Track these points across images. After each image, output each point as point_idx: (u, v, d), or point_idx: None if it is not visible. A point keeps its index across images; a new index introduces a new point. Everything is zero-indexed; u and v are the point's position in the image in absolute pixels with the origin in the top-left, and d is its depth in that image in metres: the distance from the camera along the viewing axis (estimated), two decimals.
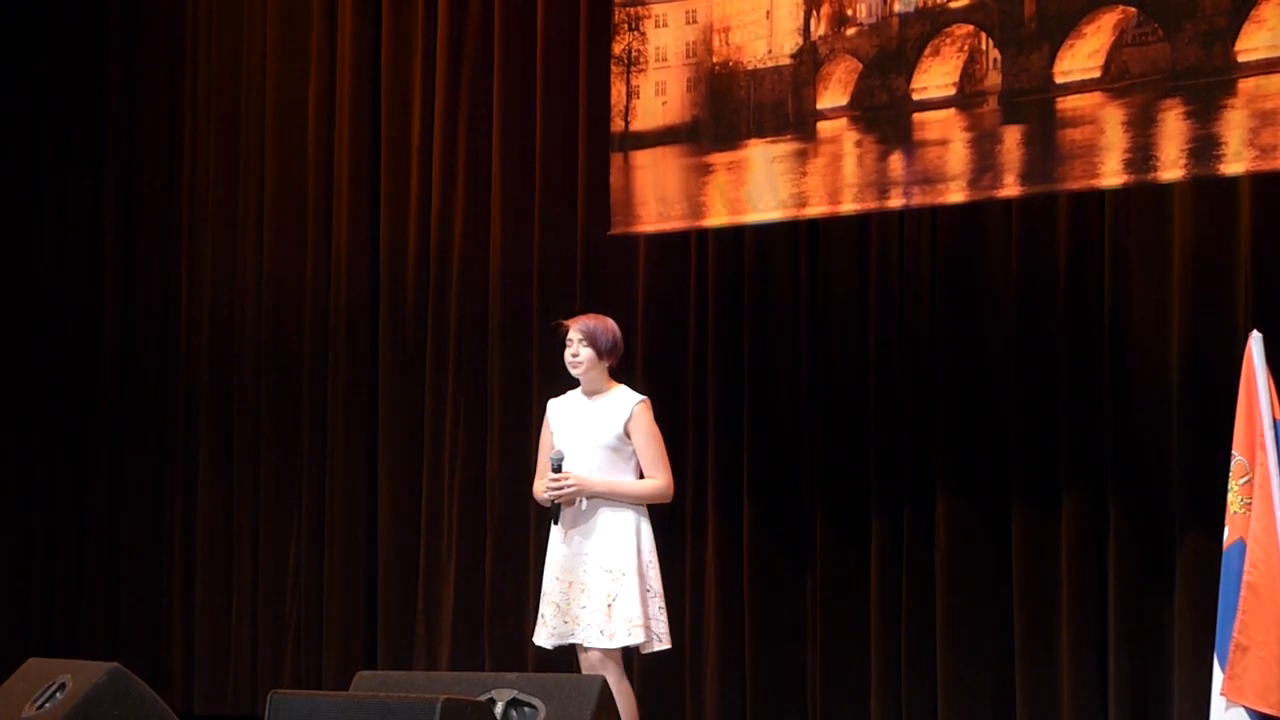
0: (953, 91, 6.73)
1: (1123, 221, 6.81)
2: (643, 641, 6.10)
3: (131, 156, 9.53)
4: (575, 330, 6.26)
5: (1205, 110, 6.20)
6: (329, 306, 8.76)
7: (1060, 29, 6.49)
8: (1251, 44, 6.13)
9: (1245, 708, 5.28)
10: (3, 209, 9.76)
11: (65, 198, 9.71)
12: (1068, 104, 6.48)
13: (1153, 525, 6.68)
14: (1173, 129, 6.26)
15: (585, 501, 6.15)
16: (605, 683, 5.19)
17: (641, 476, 6.21)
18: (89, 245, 9.62)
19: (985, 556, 7.01)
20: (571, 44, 8.06)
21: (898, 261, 7.28)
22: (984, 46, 6.66)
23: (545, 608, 6.20)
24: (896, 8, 6.86)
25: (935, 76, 6.77)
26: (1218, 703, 5.38)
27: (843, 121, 7.00)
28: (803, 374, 7.47)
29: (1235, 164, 6.17)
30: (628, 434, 6.19)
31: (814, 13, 7.06)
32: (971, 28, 6.69)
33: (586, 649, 6.11)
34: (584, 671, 6.08)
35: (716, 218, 7.31)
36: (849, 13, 6.97)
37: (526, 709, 5.10)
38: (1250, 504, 5.33)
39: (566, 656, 6.42)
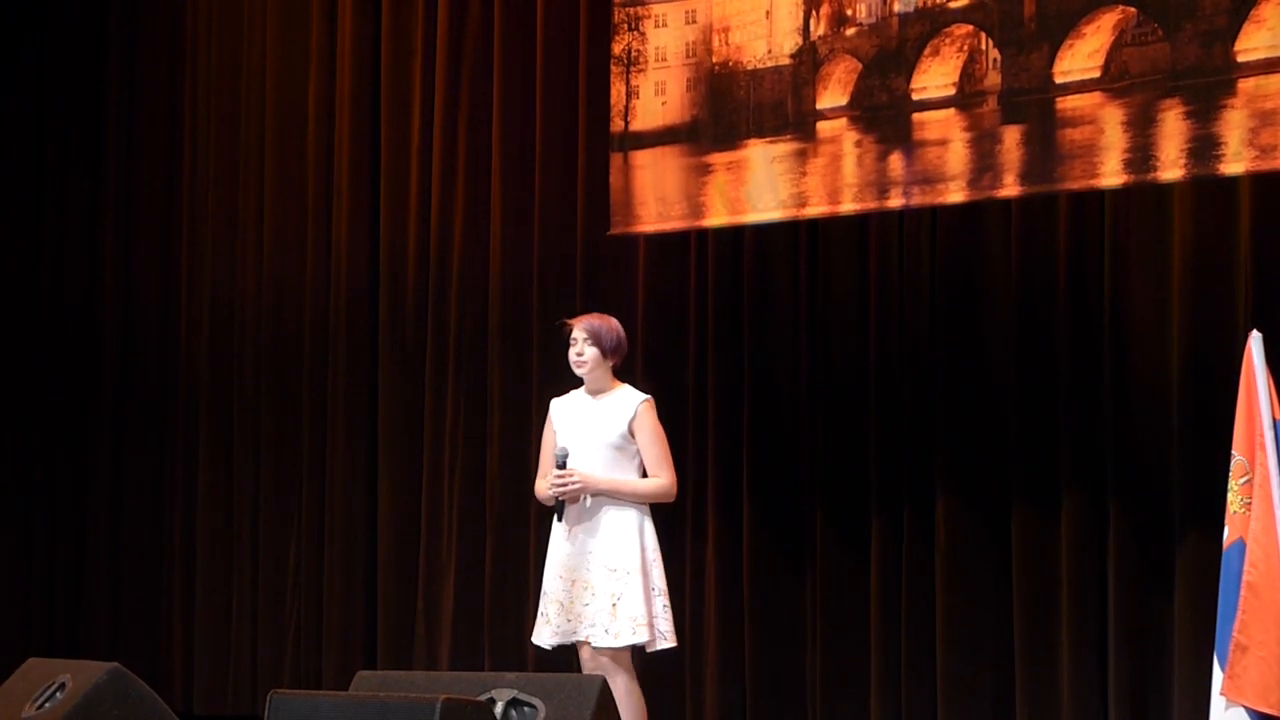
0: (952, 91, 6.73)
1: (1123, 221, 6.80)
2: (647, 640, 6.09)
3: (131, 156, 9.53)
4: (580, 329, 6.24)
5: (1205, 110, 6.20)
6: (329, 307, 8.76)
7: (1060, 29, 6.49)
8: (1251, 44, 6.13)
9: (1245, 707, 5.28)
10: (3, 209, 9.75)
11: (65, 198, 9.70)
12: (1067, 104, 6.48)
13: (1153, 525, 6.67)
14: (1172, 129, 6.26)
15: (589, 499, 6.15)
16: (605, 683, 5.17)
17: (645, 475, 6.21)
18: (89, 245, 9.61)
19: (985, 556, 7.01)
20: (571, 44, 8.06)
21: (897, 261, 7.28)
22: (984, 46, 6.66)
23: (548, 606, 6.18)
24: (896, 8, 6.85)
25: (935, 76, 6.77)
26: (1217, 702, 5.38)
27: (842, 121, 7.00)
28: (803, 374, 7.46)
29: (1235, 164, 6.17)
30: (632, 433, 6.19)
31: (814, 13, 7.06)
32: (971, 28, 6.69)
33: (593, 647, 6.10)
34: (584, 671, 6.08)
35: (716, 218, 7.31)
36: (849, 13, 6.97)
37: (526, 709, 5.09)
38: (1250, 504, 5.33)
39: (566, 656, 6.41)
